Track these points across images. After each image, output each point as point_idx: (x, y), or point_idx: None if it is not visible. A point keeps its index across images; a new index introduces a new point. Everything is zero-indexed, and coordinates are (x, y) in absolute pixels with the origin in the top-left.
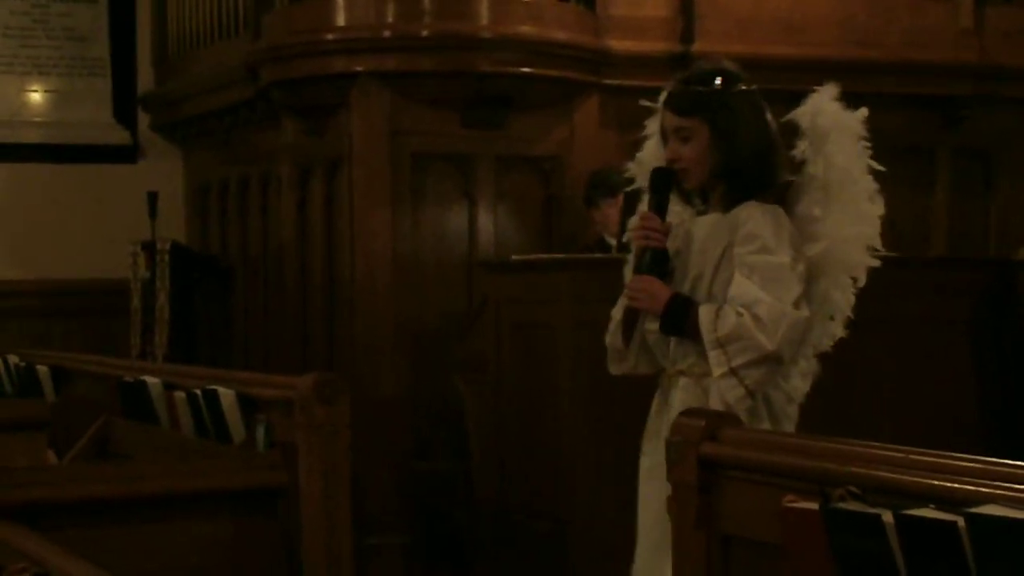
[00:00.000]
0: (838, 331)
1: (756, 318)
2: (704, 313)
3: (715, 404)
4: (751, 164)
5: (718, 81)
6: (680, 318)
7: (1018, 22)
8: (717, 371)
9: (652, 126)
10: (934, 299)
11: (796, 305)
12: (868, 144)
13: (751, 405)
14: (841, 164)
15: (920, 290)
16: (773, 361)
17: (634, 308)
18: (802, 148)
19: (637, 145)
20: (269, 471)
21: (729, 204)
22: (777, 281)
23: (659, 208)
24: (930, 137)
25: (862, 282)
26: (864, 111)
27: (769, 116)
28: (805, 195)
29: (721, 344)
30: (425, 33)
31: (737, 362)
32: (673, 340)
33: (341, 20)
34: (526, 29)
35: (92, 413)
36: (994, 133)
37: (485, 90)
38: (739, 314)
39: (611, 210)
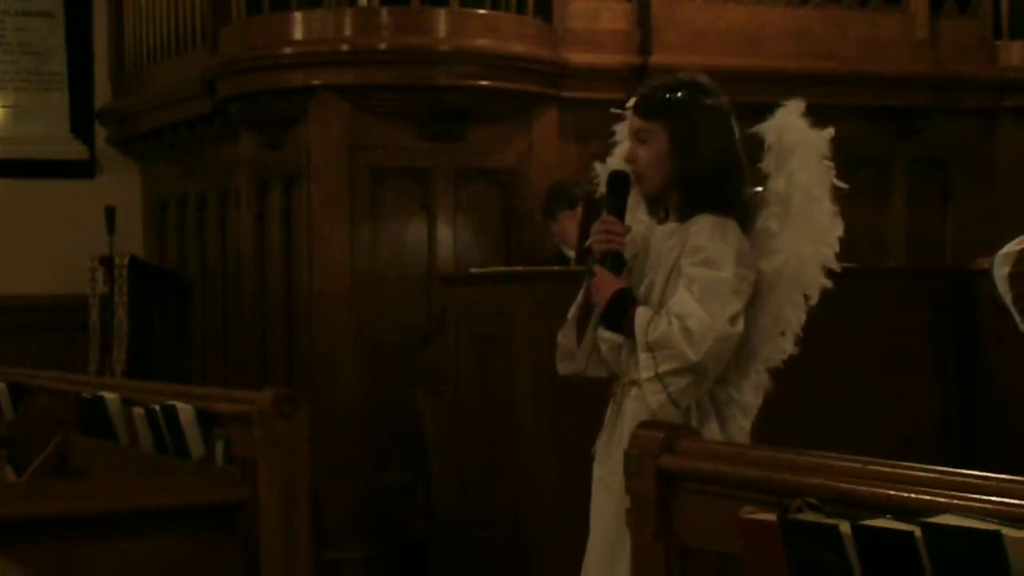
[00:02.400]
0: (788, 347)
1: (685, 329)
2: (640, 315)
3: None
4: (707, 176)
5: (685, 90)
6: (619, 313)
7: (973, 33)
8: (644, 374)
9: (621, 132)
10: (893, 309)
11: (732, 321)
12: (832, 164)
13: (674, 412)
14: (803, 182)
15: (879, 300)
16: (697, 372)
17: (588, 310)
18: (767, 162)
19: (596, 157)
20: (228, 486)
21: (684, 214)
22: (715, 295)
23: (617, 210)
24: (887, 148)
25: (814, 300)
26: (831, 130)
27: (737, 135)
28: (765, 209)
29: (651, 348)
30: (383, 47)
31: (663, 368)
32: (625, 350)
33: (299, 34)
34: (484, 42)
35: (51, 429)
36: (950, 144)
37: (443, 103)
38: (670, 323)
39: (570, 223)
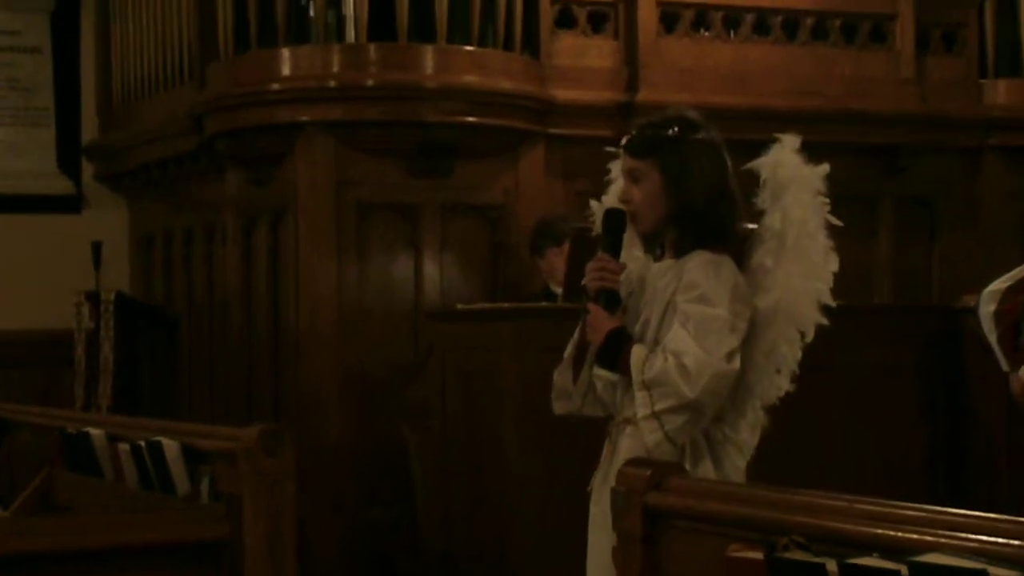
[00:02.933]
0: (784, 384)
1: (681, 367)
2: (635, 353)
3: (644, 451)
4: (702, 212)
5: (675, 127)
6: (615, 352)
7: (958, 71)
8: (640, 412)
9: (616, 170)
10: (879, 346)
11: (728, 358)
12: (827, 200)
13: (671, 450)
14: (798, 217)
15: (865, 337)
16: (694, 410)
17: (584, 348)
18: (762, 198)
19: (583, 193)
20: (214, 523)
21: (680, 251)
22: (710, 332)
23: (612, 248)
24: (873, 185)
25: (810, 337)
26: (826, 167)
27: (730, 169)
28: (760, 245)
29: (647, 387)
30: (370, 83)
31: (659, 407)
32: (620, 388)
33: (286, 70)
34: (471, 79)
35: (35, 465)
36: (936, 181)
37: (430, 139)
38: (666, 360)
39: (557, 259)
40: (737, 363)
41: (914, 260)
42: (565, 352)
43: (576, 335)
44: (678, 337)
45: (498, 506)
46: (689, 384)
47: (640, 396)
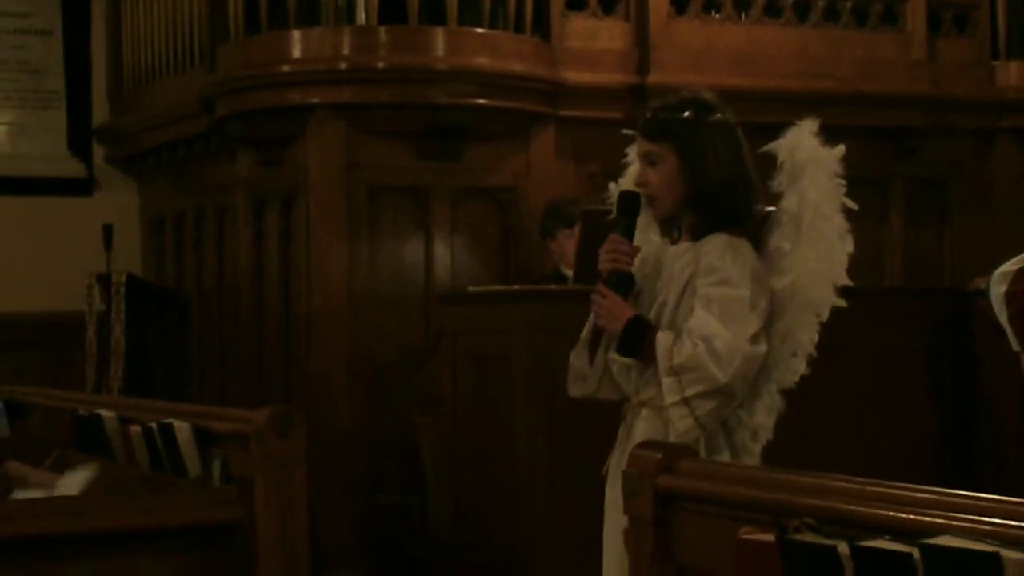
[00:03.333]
0: (800, 367)
1: (712, 351)
2: (661, 340)
3: (675, 436)
4: (719, 195)
5: (691, 109)
6: (637, 340)
7: (970, 53)
8: (670, 399)
9: (633, 153)
10: (890, 329)
11: (753, 340)
12: (843, 182)
13: (700, 436)
14: (814, 200)
15: (876, 320)
16: (725, 394)
17: (600, 331)
18: (779, 181)
19: (594, 176)
20: (225, 506)
21: (698, 234)
22: (735, 315)
23: (627, 230)
24: (884, 168)
25: (825, 318)
26: (841, 148)
27: (746, 150)
28: (777, 228)
29: (675, 372)
30: (381, 65)
31: (690, 392)
32: (635, 370)
33: (297, 52)
34: (482, 61)
35: (46, 447)
36: (947, 164)
37: (441, 122)
38: (695, 345)
39: (568, 241)
40: (763, 345)
41: (925, 242)
42: (582, 334)
43: (592, 317)
44: (705, 321)
45: (509, 491)
46: (721, 368)
47: (668, 382)
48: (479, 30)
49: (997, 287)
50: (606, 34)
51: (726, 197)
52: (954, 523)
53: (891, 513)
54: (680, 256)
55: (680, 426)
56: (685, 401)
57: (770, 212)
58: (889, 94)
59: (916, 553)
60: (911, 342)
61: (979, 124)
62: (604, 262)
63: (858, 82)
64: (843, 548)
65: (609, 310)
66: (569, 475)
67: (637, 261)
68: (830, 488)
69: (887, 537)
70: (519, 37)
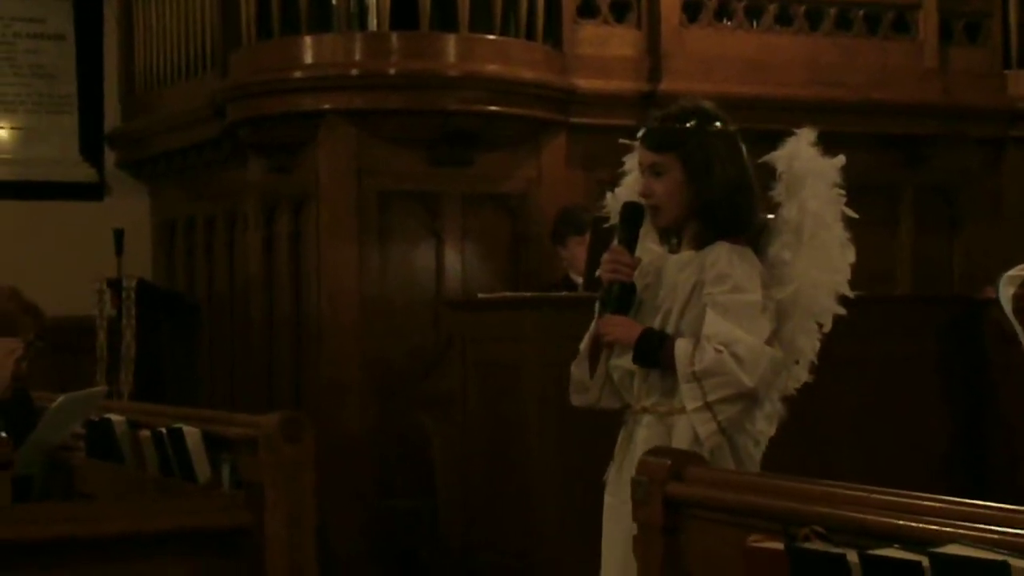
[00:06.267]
0: (802, 375)
1: (736, 356)
2: (681, 347)
3: (678, 442)
4: (723, 204)
5: (693, 119)
6: (654, 350)
7: (982, 62)
8: (691, 405)
9: (631, 163)
10: (901, 337)
11: (768, 343)
12: (843, 192)
13: (722, 441)
14: (814, 210)
15: (886, 328)
16: (749, 399)
17: (600, 341)
18: (778, 191)
19: (604, 183)
20: (234, 511)
21: (701, 243)
22: (751, 320)
23: (628, 242)
24: (894, 176)
25: (827, 328)
26: (841, 158)
27: (746, 158)
28: (777, 238)
29: (697, 378)
30: (392, 71)
31: (713, 397)
32: (638, 377)
33: (309, 58)
34: (493, 68)
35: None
36: (958, 172)
37: (452, 128)
38: (718, 351)
39: (578, 248)
40: (778, 349)
41: (935, 251)
42: (581, 345)
43: (592, 328)
44: (723, 328)
45: (519, 496)
46: (747, 372)
47: (689, 388)
48: (490, 37)
49: (1006, 289)
50: (617, 41)
51: (731, 205)
52: (963, 531)
53: (900, 521)
54: (683, 266)
55: (702, 431)
56: (708, 406)
57: (769, 219)
58: (900, 103)
59: (925, 562)
60: (921, 349)
61: (990, 133)
62: (605, 272)
63: (869, 90)
64: (852, 556)
65: (619, 326)
66: (578, 481)
67: (637, 272)
68: (839, 496)
69: (896, 545)
70: (530, 44)
